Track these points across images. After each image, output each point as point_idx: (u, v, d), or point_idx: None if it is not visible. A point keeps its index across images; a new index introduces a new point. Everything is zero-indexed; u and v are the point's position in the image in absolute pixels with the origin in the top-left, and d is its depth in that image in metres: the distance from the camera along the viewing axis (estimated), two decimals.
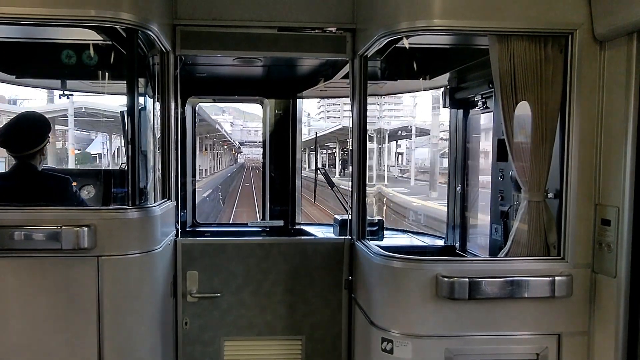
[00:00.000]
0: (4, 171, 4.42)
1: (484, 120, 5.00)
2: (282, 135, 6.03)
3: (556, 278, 3.28)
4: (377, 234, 5.13)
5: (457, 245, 5.32)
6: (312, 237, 5.36)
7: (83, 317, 3.34)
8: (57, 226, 3.20)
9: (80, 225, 3.22)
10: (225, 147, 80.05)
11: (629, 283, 3.14)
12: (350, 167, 4.20)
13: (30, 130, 4.07)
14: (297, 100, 6.04)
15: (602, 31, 3.19)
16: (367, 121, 4.03)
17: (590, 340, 3.40)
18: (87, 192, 4.90)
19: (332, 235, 5.08)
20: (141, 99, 3.65)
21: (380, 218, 5.17)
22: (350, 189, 4.24)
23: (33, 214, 3.30)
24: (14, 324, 3.32)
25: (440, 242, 5.64)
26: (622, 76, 3.10)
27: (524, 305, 3.35)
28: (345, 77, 4.45)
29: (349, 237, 4.25)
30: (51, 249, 3.22)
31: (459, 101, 5.14)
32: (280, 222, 5.40)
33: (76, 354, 3.36)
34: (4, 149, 4.03)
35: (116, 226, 3.36)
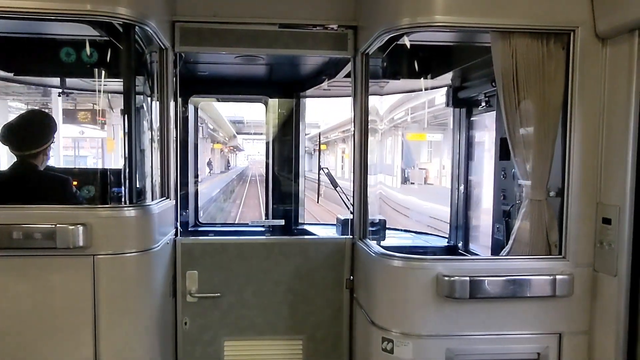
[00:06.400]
0: (3, 169, 4.36)
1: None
2: (286, 134, 6.02)
3: (557, 277, 3.26)
4: (379, 234, 5.10)
5: (460, 245, 5.30)
6: (314, 237, 5.32)
7: (78, 317, 3.30)
8: (52, 224, 3.16)
9: (75, 224, 3.18)
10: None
11: (630, 282, 3.12)
12: (353, 166, 4.17)
13: (34, 130, 4.00)
14: (301, 99, 6.04)
15: (604, 28, 3.17)
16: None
17: (591, 339, 3.37)
18: (87, 192, 4.86)
19: (334, 235, 5.05)
20: (139, 97, 3.62)
21: (382, 217, 5.14)
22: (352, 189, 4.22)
23: (27, 212, 3.25)
24: (7, 324, 3.27)
25: (443, 242, 5.62)
26: (624, 74, 3.07)
27: (525, 304, 3.32)
28: (348, 75, 4.41)
29: (350, 237, 4.23)
30: (45, 247, 3.18)
31: (462, 100, 5.12)
32: (281, 222, 5.38)
33: (71, 355, 3.32)
34: (7, 147, 3.99)
35: (112, 224, 3.31)
